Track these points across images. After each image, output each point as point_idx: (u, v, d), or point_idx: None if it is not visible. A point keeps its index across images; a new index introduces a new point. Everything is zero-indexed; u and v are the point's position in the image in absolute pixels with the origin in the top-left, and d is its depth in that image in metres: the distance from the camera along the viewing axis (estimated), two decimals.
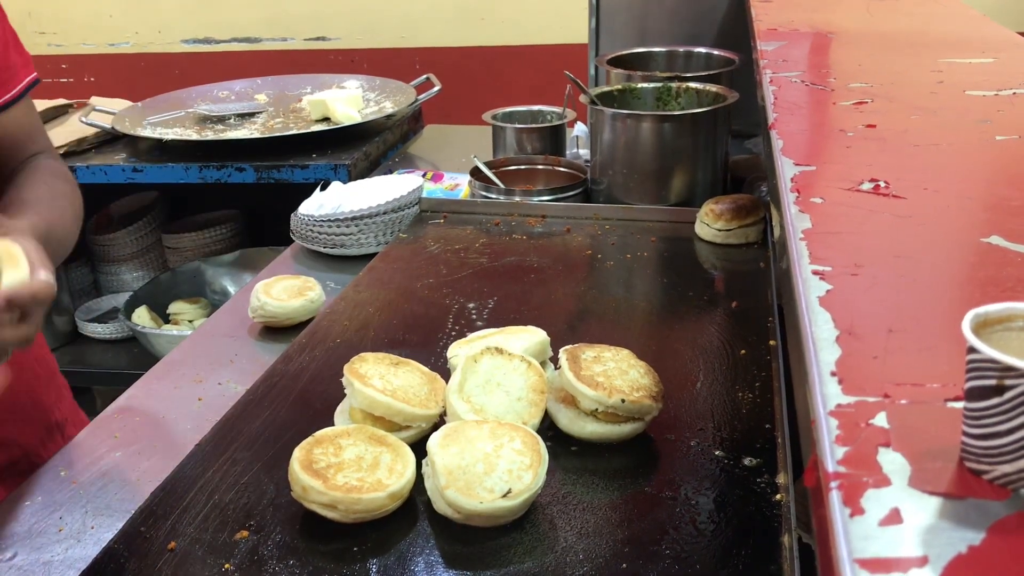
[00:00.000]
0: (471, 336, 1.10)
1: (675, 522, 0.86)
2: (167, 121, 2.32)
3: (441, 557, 0.83)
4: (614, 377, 0.98)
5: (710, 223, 1.55)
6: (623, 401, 0.95)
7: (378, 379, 0.98)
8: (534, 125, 1.95)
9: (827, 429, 0.46)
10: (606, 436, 0.97)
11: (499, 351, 1.01)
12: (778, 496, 0.88)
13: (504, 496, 0.82)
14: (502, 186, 1.76)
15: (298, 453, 0.88)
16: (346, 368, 0.99)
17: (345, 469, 0.87)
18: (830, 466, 0.43)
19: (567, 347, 1.04)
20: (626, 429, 0.97)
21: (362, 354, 1.03)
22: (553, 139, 1.94)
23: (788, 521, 0.84)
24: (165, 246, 2.57)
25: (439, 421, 0.99)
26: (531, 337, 1.08)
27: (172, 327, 2.22)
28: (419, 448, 0.91)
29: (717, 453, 0.96)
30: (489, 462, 0.85)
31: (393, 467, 0.88)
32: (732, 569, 0.80)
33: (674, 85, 1.86)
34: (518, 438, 0.88)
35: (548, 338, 1.10)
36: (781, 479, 0.91)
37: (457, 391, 0.96)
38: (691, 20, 2.26)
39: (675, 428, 1.01)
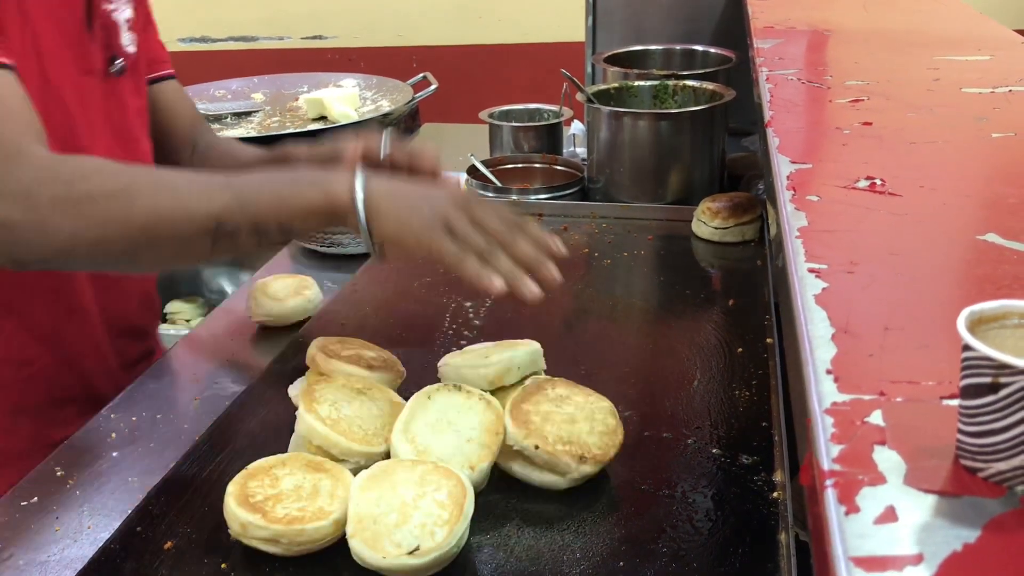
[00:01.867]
0: (466, 348, 1.08)
1: (672, 520, 0.86)
2: None
3: None
4: (553, 422, 0.91)
5: (707, 221, 1.55)
6: (536, 448, 0.88)
7: (328, 405, 0.92)
8: (530, 124, 1.95)
9: (822, 427, 0.46)
10: (525, 478, 0.91)
11: (458, 388, 0.95)
12: (775, 494, 0.88)
13: (411, 553, 0.75)
14: (499, 184, 1.76)
15: (232, 488, 0.83)
16: (302, 389, 0.96)
17: (284, 500, 0.82)
18: (825, 464, 0.43)
19: (547, 378, 1.00)
20: (544, 478, 0.89)
21: (328, 377, 0.99)
22: (550, 137, 1.94)
23: (785, 519, 0.85)
24: None
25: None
26: (523, 348, 1.03)
27: (169, 326, 2.21)
28: None
29: (714, 451, 0.96)
30: (404, 512, 0.78)
31: (334, 493, 0.83)
32: (729, 567, 0.80)
33: (671, 83, 1.86)
34: (446, 488, 0.81)
35: (541, 349, 1.05)
36: (778, 477, 0.91)
37: (402, 430, 0.90)
38: (688, 18, 2.26)
39: (672, 426, 1.01)
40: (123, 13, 1.16)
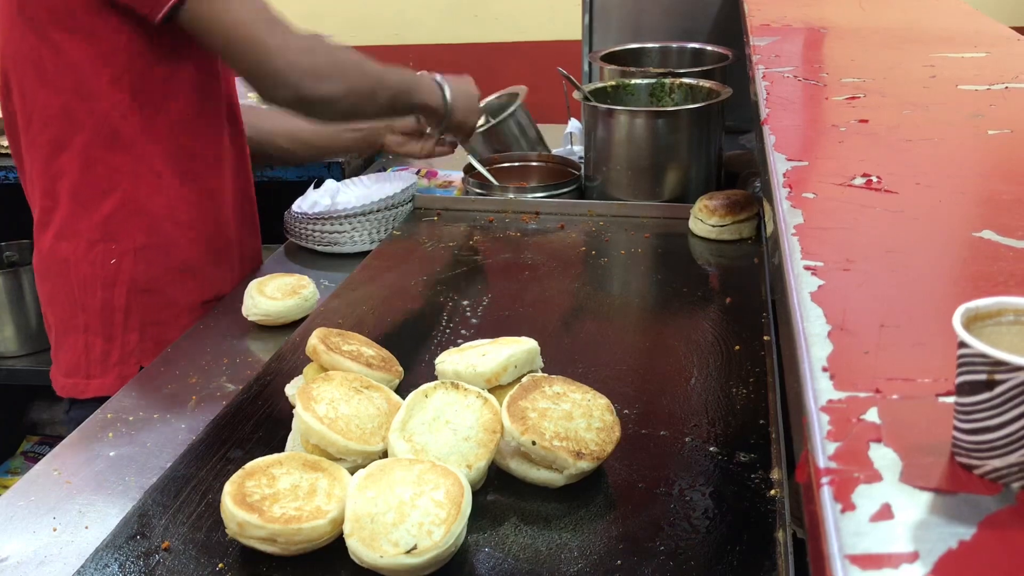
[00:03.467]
0: (463, 346, 1.08)
1: (669, 518, 0.86)
2: None
3: None
4: (550, 419, 0.91)
5: (704, 219, 1.55)
6: (533, 443, 0.88)
7: (326, 404, 0.92)
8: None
9: (818, 425, 0.46)
10: (522, 475, 0.90)
11: (455, 386, 0.95)
12: (772, 491, 0.88)
13: (408, 552, 0.75)
14: (496, 183, 1.76)
15: (229, 488, 0.83)
16: (300, 388, 0.96)
17: (281, 500, 0.82)
18: (821, 462, 0.43)
19: (544, 375, 1.00)
20: (541, 475, 0.89)
21: (330, 372, 0.99)
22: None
23: (782, 516, 0.85)
24: None
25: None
26: (520, 346, 1.03)
27: None
28: None
29: (711, 449, 0.96)
30: (402, 511, 0.78)
31: (331, 492, 0.83)
32: (726, 565, 0.80)
33: (668, 81, 1.86)
34: (443, 487, 0.80)
35: (538, 347, 1.05)
36: (775, 475, 0.91)
37: (399, 428, 0.90)
38: (684, 15, 2.26)
39: (669, 424, 1.01)
40: None
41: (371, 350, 1.09)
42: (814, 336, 0.54)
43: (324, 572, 0.80)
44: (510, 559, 0.81)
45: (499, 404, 0.94)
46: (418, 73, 1.47)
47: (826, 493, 0.41)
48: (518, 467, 0.91)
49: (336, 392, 0.95)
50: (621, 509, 0.88)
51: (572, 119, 2.07)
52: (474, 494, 0.84)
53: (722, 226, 1.53)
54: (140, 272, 1.35)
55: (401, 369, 1.09)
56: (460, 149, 1.70)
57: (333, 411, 0.92)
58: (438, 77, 1.49)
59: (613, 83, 1.88)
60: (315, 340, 1.05)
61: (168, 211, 1.36)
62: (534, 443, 0.88)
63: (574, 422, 0.92)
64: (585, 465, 0.88)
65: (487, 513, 0.87)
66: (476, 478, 0.87)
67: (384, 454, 0.91)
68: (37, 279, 1.41)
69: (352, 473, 0.86)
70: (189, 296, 1.41)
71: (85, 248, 1.33)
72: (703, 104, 1.72)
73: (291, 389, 1.07)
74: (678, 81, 1.85)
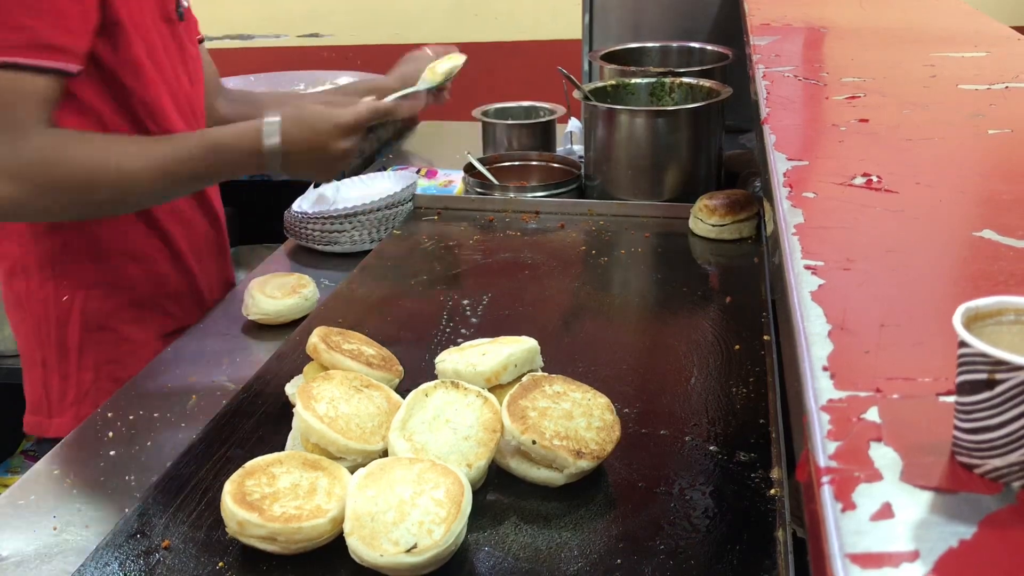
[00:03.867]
0: (463, 345, 1.08)
1: (669, 517, 0.86)
2: None
3: None
4: (550, 418, 0.91)
5: (704, 218, 1.55)
6: (533, 442, 0.88)
7: (326, 403, 0.92)
8: (525, 121, 1.95)
9: (819, 424, 0.46)
10: (522, 475, 0.90)
11: (455, 385, 0.95)
12: (772, 491, 0.88)
13: (408, 551, 0.75)
14: (496, 182, 1.76)
15: (229, 487, 0.83)
16: (300, 387, 0.96)
17: (281, 498, 0.82)
18: (822, 461, 0.43)
19: (544, 374, 1.00)
20: (541, 474, 0.89)
21: (330, 371, 0.99)
22: (544, 135, 1.94)
23: (783, 516, 0.85)
24: None
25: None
26: (520, 345, 1.03)
27: None
28: None
29: (711, 448, 0.96)
30: (402, 510, 0.78)
31: (331, 491, 0.83)
32: (727, 564, 0.80)
33: (668, 80, 1.86)
34: (443, 486, 0.80)
35: (538, 346, 1.05)
36: (775, 474, 0.91)
37: (400, 428, 0.90)
38: (685, 15, 2.26)
39: (669, 423, 1.01)
40: None
41: (371, 349, 1.09)
42: (814, 335, 0.54)
43: (324, 571, 0.81)
44: (510, 558, 0.81)
45: (499, 403, 0.94)
46: (244, 125, 1.24)
47: (826, 492, 0.41)
48: (518, 466, 0.91)
49: (336, 391, 0.95)
50: (621, 508, 0.88)
51: (572, 119, 2.07)
52: (474, 493, 0.84)
53: (722, 225, 1.53)
54: (92, 309, 1.31)
55: (401, 368, 1.09)
56: (456, 146, 1.69)
57: (333, 410, 0.92)
58: (270, 120, 1.23)
59: (613, 82, 1.88)
60: (315, 339, 1.05)
61: (118, 245, 1.31)
62: (534, 442, 0.88)
63: (574, 421, 0.92)
64: (585, 464, 0.88)
65: (487, 512, 0.87)
66: (476, 477, 0.87)
67: (384, 453, 0.91)
68: (5, 309, 1.37)
69: (352, 472, 0.86)
70: (146, 333, 1.35)
71: (37, 285, 1.30)
72: (703, 103, 1.72)
73: (291, 388, 1.07)
74: (678, 80, 1.85)
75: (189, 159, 1.20)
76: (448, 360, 1.03)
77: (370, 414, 0.94)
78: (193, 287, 1.42)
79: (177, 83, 1.33)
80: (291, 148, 1.23)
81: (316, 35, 3.40)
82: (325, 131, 1.25)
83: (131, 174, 1.16)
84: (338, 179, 1.76)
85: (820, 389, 0.49)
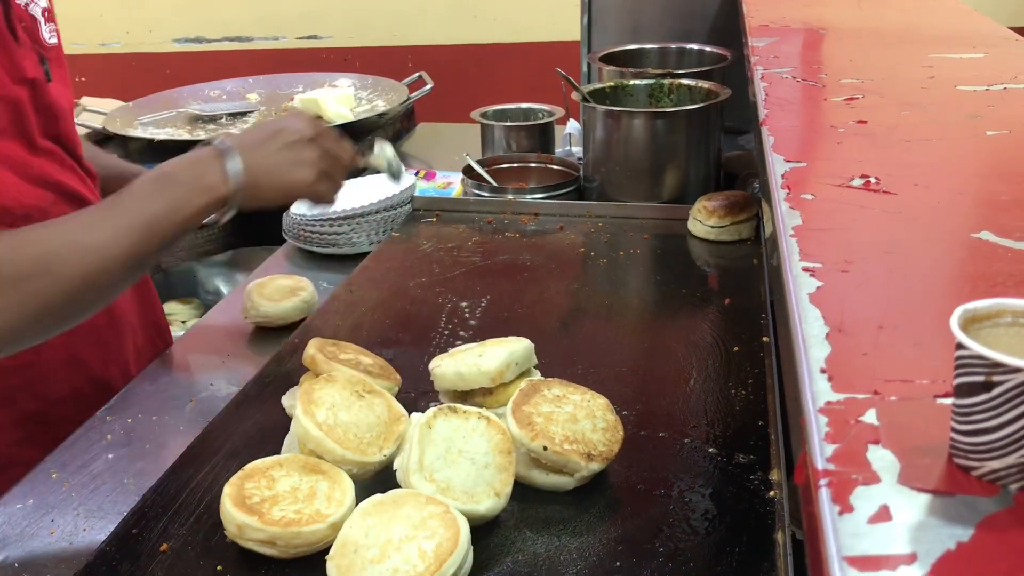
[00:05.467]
0: (452, 351, 1.07)
1: (668, 520, 0.86)
2: (159, 121, 2.31)
3: None
4: (557, 422, 0.90)
5: (703, 220, 1.55)
6: (545, 448, 0.87)
7: (326, 409, 0.90)
8: (523, 123, 1.95)
9: (816, 426, 0.46)
10: (531, 482, 0.90)
11: (452, 410, 0.91)
12: (772, 493, 0.88)
13: None
14: (495, 184, 1.76)
15: (228, 490, 0.82)
16: (303, 389, 0.94)
17: (281, 502, 0.82)
18: (819, 463, 0.43)
19: (542, 379, 0.99)
20: (550, 480, 0.89)
21: (332, 374, 0.97)
22: (542, 137, 1.94)
23: (782, 518, 0.84)
24: None
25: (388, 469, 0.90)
26: (517, 343, 1.03)
27: None
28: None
29: (710, 450, 0.96)
30: (385, 552, 0.75)
31: (331, 495, 0.83)
32: (726, 566, 0.80)
33: (667, 82, 1.86)
34: (437, 539, 0.76)
35: (532, 345, 1.04)
36: (774, 476, 0.91)
37: (418, 469, 0.85)
38: (683, 16, 2.26)
39: (668, 425, 1.01)
40: (39, 4, 1.09)
41: (368, 359, 1.09)
42: (812, 337, 0.54)
43: (322, 575, 0.80)
44: (508, 561, 0.81)
45: (499, 407, 0.94)
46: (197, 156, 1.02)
47: (824, 495, 0.41)
48: (527, 473, 0.90)
49: (338, 396, 0.93)
50: (620, 510, 0.88)
51: (571, 120, 2.07)
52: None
53: (721, 227, 1.53)
54: None
55: (399, 377, 1.08)
56: (455, 148, 1.69)
57: (332, 417, 0.90)
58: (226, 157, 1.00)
59: (612, 84, 1.88)
60: (312, 350, 1.04)
61: None
62: (545, 448, 0.87)
63: (580, 424, 0.92)
64: (596, 467, 0.88)
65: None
66: (505, 504, 0.86)
67: (381, 466, 0.89)
68: None
69: (352, 478, 0.86)
70: (41, 406, 1.11)
71: None
72: (702, 105, 1.72)
73: (287, 401, 1.06)
74: (677, 82, 1.85)
75: (140, 197, 0.96)
76: (445, 364, 1.01)
77: (369, 424, 0.92)
78: (107, 348, 1.19)
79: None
80: (244, 142, 1.03)
81: (315, 37, 3.40)
82: (273, 121, 1.09)
83: (89, 245, 0.92)
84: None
85: (818, 391, 0.49)
